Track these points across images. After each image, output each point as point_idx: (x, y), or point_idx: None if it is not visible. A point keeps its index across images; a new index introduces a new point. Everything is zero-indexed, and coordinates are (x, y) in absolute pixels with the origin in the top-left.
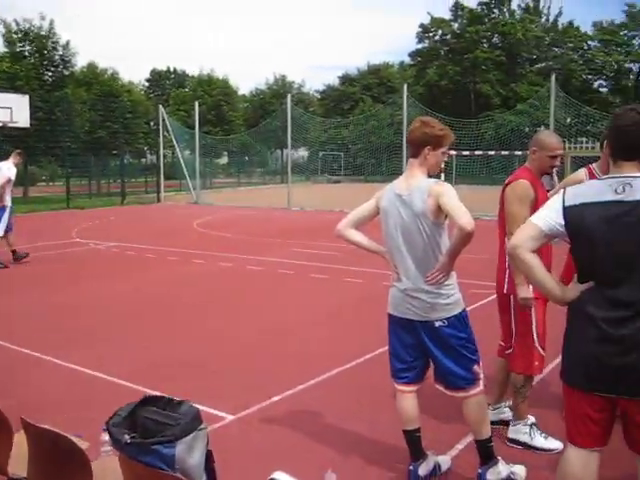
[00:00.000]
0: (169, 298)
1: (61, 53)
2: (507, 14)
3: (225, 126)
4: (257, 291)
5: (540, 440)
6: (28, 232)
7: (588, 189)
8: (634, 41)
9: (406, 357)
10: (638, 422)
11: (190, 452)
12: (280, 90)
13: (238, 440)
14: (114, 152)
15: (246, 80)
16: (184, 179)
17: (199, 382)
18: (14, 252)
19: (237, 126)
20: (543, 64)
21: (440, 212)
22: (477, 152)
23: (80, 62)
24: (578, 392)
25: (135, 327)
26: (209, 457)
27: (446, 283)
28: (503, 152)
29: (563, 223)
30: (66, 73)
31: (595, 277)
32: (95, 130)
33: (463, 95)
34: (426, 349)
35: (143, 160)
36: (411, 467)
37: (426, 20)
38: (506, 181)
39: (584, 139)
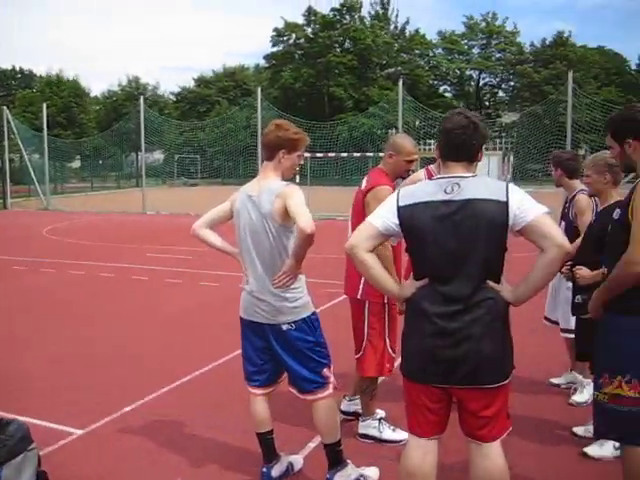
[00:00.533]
0: (11, 310)
1: None
2: (358, 20)
3: (76, 129)
4: (109, 299)
5: (388, 432)
6: None
7: (420, 189)
8: (473, 50)
9: (257, 360)
10: (471, 410)
11: (18, 475)
12: (134, 92)
13: (85, 455)
14: None
15: (98, 81)
16: (33, 184)
17: (44, 398)
18: None
19: (89, 129)
20: (392, 69)
21: (287, 215)
22: (330, 154)
23: None
24: (416, 384)
25: None
26: (41, 478)
27: (293, 286)
28: (356, 154)
29: (398, 222)
30: None
31: (428, 274)
32: None
33: (317, 98)
34: (275, 352)
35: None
36: (264, 469)
37: (280, 24)
38: (364, 186)
39: (432, 141)
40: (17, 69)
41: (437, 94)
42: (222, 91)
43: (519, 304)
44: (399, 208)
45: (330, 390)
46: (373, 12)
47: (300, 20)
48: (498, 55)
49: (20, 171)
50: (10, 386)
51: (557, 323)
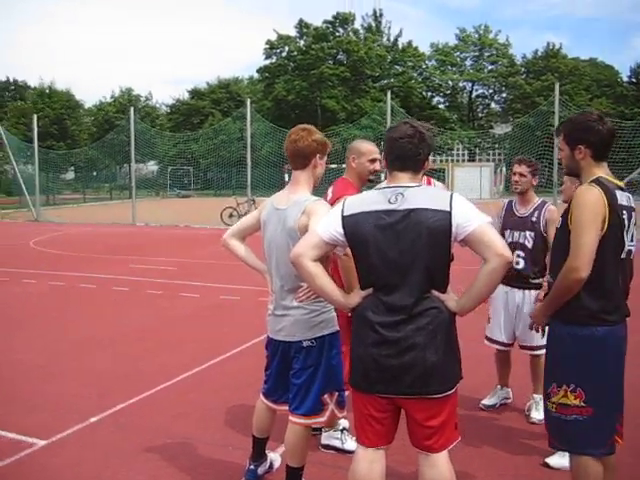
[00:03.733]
0: None
1: None
2: (351, 33)
3: (69, 140)
4: (82, 309)
5: (351, 444)
6: None
7: (365, 199)
8: (466, 62)
9: (277, 378)
10: (417, 420)
11: None
12: (126, 103)
13: (47, 466)
14: None
15: (91, 93)
16: (23, 195)
17: (6, 408)
18: None
19: (82, 140)
20: (385, 81)
21: None
22: (331, 165)
23: None
24: (361, 394)
25: None
26: None
27: (316, 301)
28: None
29: (342, 232)
30: None
31: (373, 284)
32: None
33: (310, 110)
34: (289, 369)
35: None
36: (252, 466)
37: (273, 36)
38: (329, 197)
39: None
40: (11, 80)
41: (430, 106)
42: (216, 103)
43: (464, 314)
44: (343, 217)
45: (324, 418)
46: (366, 24)
47: (292, 32)
48: (490, 67)
49: (12, 182)
50: None
51: (504, 344)
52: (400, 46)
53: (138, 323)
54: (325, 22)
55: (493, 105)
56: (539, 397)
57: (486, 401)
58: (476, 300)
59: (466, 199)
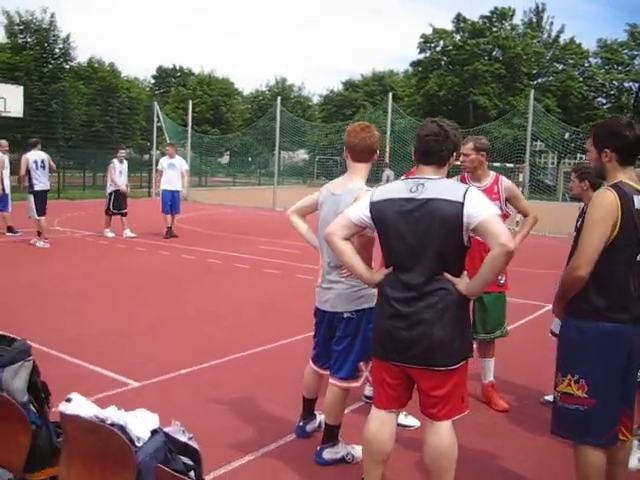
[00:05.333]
0: (109, 283)
1: (61, 46)
2: (509, 28)
3: (223, 126)
4: (203, 281)
5: (400, 417)
6: (15, 220)
7: (391, 188)
8: (635, 60)
9: (322, 345)
10: (423, 389)
11: (15, 377)
12: (280, 93)
13: (133, 403)
14: (110, 147)
15: (249, 82)
16: None
17: (112, 354)
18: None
19: (235, 127)
20: (542, 79)
21: None
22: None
23: (85, 56)
24: (378, 360)
25: (72, 304)
26: (36, 384)
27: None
28: (496, 164)
29: (369, 216)
30: (66, 66)
31: (393, 263)
32: (93, 123)
33: (462, 106)
34: (332, 338)
35: (146, 156)
36: (301, 424)
37: (428, 30)
38: None
39: (581, 155)
40: (177, 67)
41: (590, 106)
42: (369, 95)
43: (472, 296)
44: (371, 203)
45: (358, 383)
46: (526, 19)
47: (449, 27)
48: None
49: None
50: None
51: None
52: (561, 42)
53: (251, 296)
54: (482, 17)
55: None
56: None
57: (548, 397)
58: (482, 284)
59: (480, 193)
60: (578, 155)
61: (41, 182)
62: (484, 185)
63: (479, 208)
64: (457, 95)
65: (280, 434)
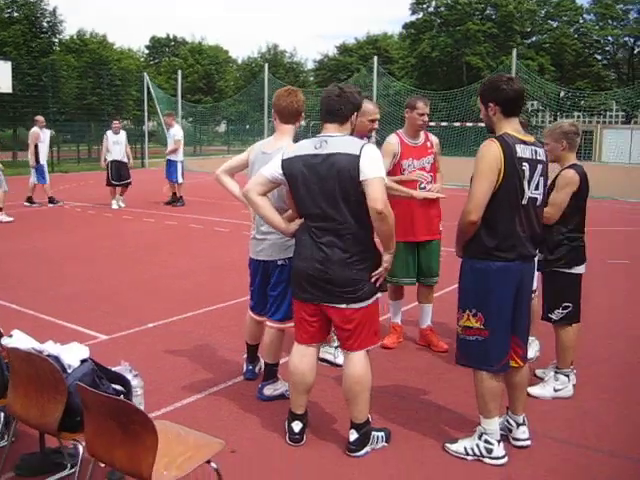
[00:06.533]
0: (92, 249)
1: (49, 20)
2: None
3: (215, 94)
4: (180, 244)
5: (341, 359)
6: (10, 193)
7: (299, 146)
8: (629, 15)
9: (258, 293)
10: (337, 324)
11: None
12: (272, 59)
13: (109, 355)
14: (104, 119)
15: (241, 49)
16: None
17: (89, 311)
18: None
19: (229, 95)
20: (535, 37)
21: None
22: (468, 123)
23: (74, 29)
24: (297, 300)
25: (54, 268)
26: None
27: None
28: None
29: (281, 172)
30: (54, 40)
31: (304, 213)
32: (85, 96)
33: (455, 67)
34: (267, 284)
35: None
36: (250, 367)
37: None
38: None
39: (578, 113)
40: (171, 37)
41: (585, 63)
42: (364, 59)
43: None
44: (282, 160)
45: (292, 323)
46: None
47: None
48: None
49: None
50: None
51: None
52: None
53: (224, 257)
54: None
55: None
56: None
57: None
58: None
59: (379, 152)
60: (575, 114)
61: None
62: (420, 142)
63: (369, 167)
64: (450, 56)
65: (230, 376)
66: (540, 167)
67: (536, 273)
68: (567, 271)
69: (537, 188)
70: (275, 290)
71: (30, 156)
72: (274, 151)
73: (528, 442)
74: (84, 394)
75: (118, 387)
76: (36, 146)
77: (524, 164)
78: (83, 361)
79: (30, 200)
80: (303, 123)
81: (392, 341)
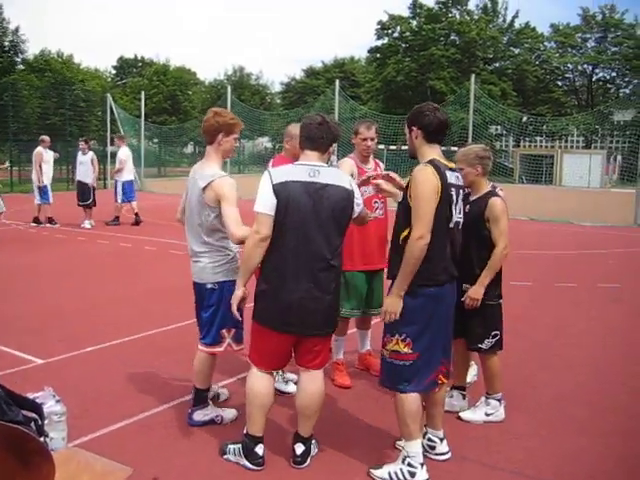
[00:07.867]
0: (39, 271)
1: (11, 39)
2: (465, 14)
3: (181, 115)
4: (131, 266)
5: (292, 387)
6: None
7: (288, 171)
8: (587, 44)
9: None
10: (308, 348)
11: None
12: (238, 82)
13: (42, 380)
14: (67, 140)
15: (207, 71)
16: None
17: (30, 336)
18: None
19: (194, 116)
20: (498, 64)
21: (217, 203)
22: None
23: (39, 48)
24: (276, 333)
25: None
26: None
27: (223, 253)
28: (453, 147)
29: (275, 198)
30: (17, 59)
31: (290, 236)
32: (48, 116)
33: (420, 91)
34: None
35: (111, 148)
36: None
37: (384, 17)
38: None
39: (539, 138)
40: (138, 57)
41: (546, 89)
42: (330, 82)
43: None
44: (275, 185)
45: (222, 349)
46: (481, 4)
47: (406, 12)
48: (614, 49)
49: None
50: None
51: None
52: (517, 27)
53: (173, 280)
54: (438, 2)
55: (614, 90)
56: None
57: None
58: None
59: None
60: (537, 138)
61: None
62: (371, 168)
63: (359, 197)
64: (415, 80)
65: (163, 401)
66: (461, 192)
67: None
68: (497, 302)
69: (460, 212)
70: (206, 312)
71: (34, 175)
72: (199, 177)
73: (450, 454)
74: None
75: (29, 414)
76: (40, 166)
77: (452, 189)
78: None
79: (37, 221)
80: (269, 145)
81: (347, 379)
